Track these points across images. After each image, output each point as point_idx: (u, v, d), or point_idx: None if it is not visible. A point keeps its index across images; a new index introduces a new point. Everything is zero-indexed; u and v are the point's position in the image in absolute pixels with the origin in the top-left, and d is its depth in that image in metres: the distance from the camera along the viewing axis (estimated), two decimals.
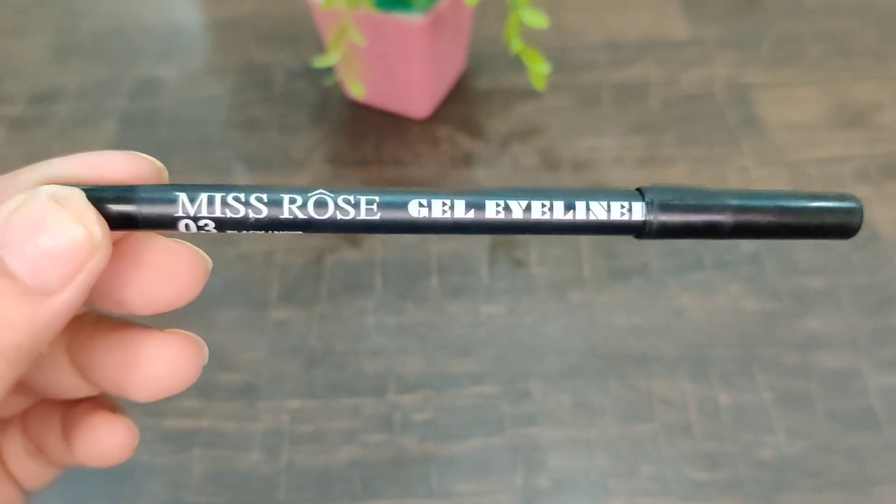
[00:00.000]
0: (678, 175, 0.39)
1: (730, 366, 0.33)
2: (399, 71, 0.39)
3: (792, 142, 0.41)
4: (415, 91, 0.41)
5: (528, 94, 0.43)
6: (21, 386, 0.17)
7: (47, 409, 0.17)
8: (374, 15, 0.37)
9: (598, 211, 0.14)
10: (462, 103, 0.43)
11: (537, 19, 0.34)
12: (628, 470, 0.31)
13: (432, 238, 0.38)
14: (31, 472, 0.18)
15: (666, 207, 0.14)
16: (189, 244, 0.15)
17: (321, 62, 0.36)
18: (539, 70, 0.36)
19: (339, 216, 0.14)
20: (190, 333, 0.16)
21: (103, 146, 0.42)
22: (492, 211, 0.14)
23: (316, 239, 0.38)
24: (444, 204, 0.14)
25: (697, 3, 0.48)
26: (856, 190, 0.38)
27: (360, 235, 0.38)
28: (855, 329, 0.34)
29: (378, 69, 0.40)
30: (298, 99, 0.44)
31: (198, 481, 0.31)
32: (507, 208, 0.14)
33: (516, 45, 0.35)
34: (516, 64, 0.39)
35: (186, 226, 0.14)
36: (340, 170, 0.41)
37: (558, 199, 0.14)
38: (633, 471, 0.31)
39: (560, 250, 0.37)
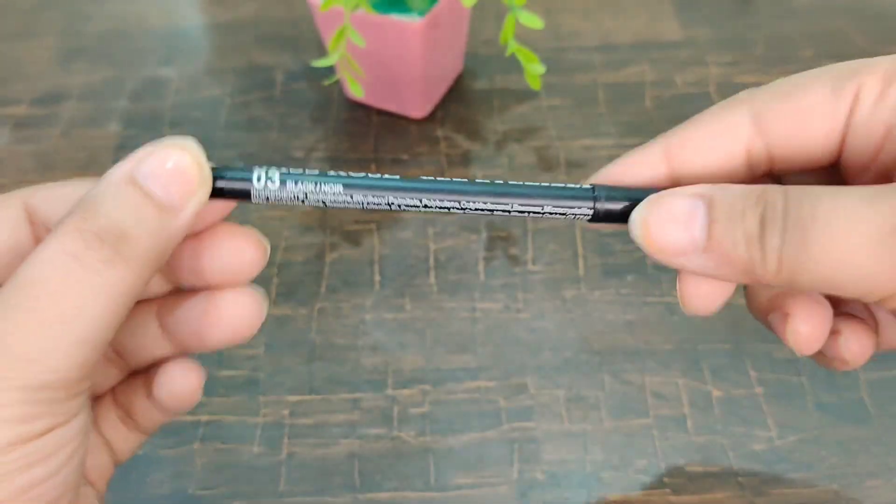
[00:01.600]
0: None
1: (722, 360, 0.34)
2: (397, 72, 0.40)
3: None
4: (413, 91, 0.41)
5: (525, 94, 0.44)
6: (116, 358, 0.21)
7: (133, 378, 0.21)
8: (372, 17, 0.37)
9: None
10: (460, 104, 0.44)
11: (533, 20, 0.35)
12: (622, 463, 0.31)
13: (430, 236, 0.38)
14: (122, 437, 0.22)
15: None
16: (254, 228, 0.19)
17: (321, 63, 0.37)
18: (534, 70, 0.37)
19: (370, 175, 0.18)
20: (257, 288, 0.20)
21: (107, 146, 0.43)
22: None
23: (317, 236, 0.38)
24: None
25: (690, 5, 0.48)
26: None
27: (359, 234, 0.38)
28: None
29: (377, 70, 0.40)
30: (299, 99, 0.44)
31: (199, 473, 0.31)
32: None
33: (512, 45, 0.36)
34: (513, 65, 0.39)
35: (258, 177, 0.18)
36: (340, 169, 0.41)
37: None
38: (627, 463, 0.31)
39: (555, 247, 0.38)
